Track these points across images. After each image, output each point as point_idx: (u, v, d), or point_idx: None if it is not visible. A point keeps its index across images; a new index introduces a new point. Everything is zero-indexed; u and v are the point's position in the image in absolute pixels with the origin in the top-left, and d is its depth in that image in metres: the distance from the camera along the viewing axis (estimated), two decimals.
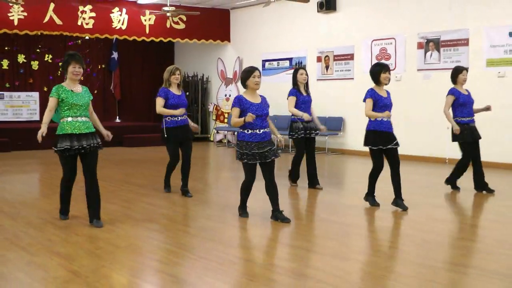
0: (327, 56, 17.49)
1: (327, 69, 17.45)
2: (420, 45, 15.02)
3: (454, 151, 14.14)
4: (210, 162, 13.33)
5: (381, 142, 8.78)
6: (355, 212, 8.87)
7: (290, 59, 18.63)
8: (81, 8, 17.98)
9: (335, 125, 17.02)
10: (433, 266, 5.86)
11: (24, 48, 20.58)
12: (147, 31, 19.16)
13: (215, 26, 20.53)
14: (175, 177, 10.25)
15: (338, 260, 6.14)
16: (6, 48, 20.22)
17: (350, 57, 16.85)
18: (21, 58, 20.44)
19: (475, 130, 10.31)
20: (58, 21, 17.61)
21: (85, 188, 7.82)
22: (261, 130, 7.77)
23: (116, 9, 18.55)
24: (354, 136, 16.57)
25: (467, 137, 10.20)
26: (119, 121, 21.68)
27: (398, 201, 8.86)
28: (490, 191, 10.22)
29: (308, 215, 8.91)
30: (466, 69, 10.63)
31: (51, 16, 17.49)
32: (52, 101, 7.53)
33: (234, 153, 16.50)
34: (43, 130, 7.34)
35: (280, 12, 18.66)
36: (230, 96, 20.74)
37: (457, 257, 6.31)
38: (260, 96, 8.03)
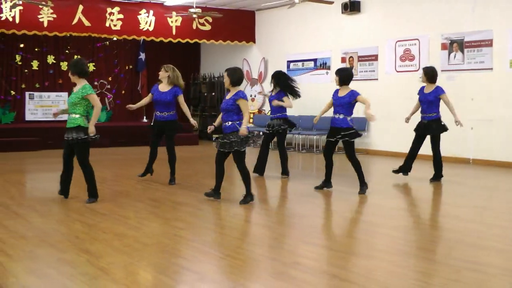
0: (351, 57, 17.44)
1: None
2: (444, 46, 14.93)
3: (478, 151, 14.09)
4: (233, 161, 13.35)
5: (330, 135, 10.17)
6: (379, 211, 8.84)
7: (315, 60, 18.59)
8: (109, 9, 18.10)
9: (360, 125, 16.90)
10: (456, 266, 5.83)
11: (54, 49, 20.75)
12: (174, 32, 19.24)
13: (240, 27, 20.56)
14: (191, 174, 10.26)
15: (362, 258, 6.13)
16: (36, 49, 20.42)
17: (374, 58, 16.78)
18: (50, 59, 20.62)
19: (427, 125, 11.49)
20: (86, 23, 17.75)
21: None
22: (230, 123, 8.87)
23: (144, 10, 18.64)
24: (378, 136, 16.51)
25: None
26: (146, 121, 21.75)
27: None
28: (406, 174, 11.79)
29: (332, 214, 8.90)
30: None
31: (79, 18, 17.64)
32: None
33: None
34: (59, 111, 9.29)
35: (305, 13, 18.63)
36: (255, 96, 20.75)
37: (481, 256, 6.26)
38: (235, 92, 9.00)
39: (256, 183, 11.73)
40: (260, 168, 12.16)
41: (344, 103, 9.99)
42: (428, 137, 11.67)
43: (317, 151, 17.16)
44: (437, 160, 11.57)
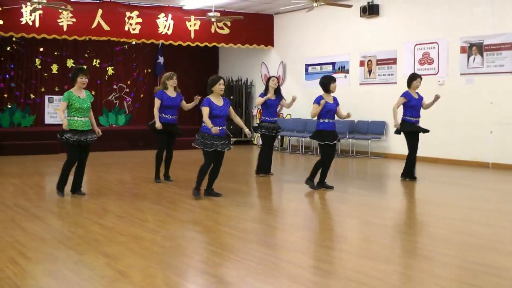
0: (370, 60, 17.40)
1: (369, 74, 17.36)
2: (463, 49, 14.85)
3: (498, 156, 14.00)
4: (253, 165, 13.38)
5: (328, 138, 10.65)
6: (396, 214, 8.82)
7: (333, 64, 18.57)
8: (128, 14, 18.19)
9: (378, 129, 16.92)
10: (474, 270, 5.80)
11: (73, 53, 20.86)
12: (192, 36, 19.30)
13: (259, 31, 20.57)
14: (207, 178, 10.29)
15: (379, 262, 6.11)
16: (55, 53, 20.54)
17: (393, 61, 16.72)
18: (70, 63, 20.72)
19: (418, 127, 11.80)
20: (105, 27, 17.85)
21: (75, 167, 9.88)
22: (221, 127, 9.54)
23: (162, 14, 18.72)
24: (397, 140, 16.42)
25: (409, 128, 11.78)
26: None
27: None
28: (413, 179, 11.90)
29: (349, 218, 8.87)
30: (420, 77, 11.99)
31: (99, 22, 17.75)
32: (64, 104, 9.62)
33: (277, 157, 16.55)
34: (65, 123, 9.48)
35: (323, 17, 18.61)
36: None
37: (499, 260, 6.22)
38: (223, 99, 9.75)
39: (273, 187, 11.75)
40: (266, 168, 12.79)
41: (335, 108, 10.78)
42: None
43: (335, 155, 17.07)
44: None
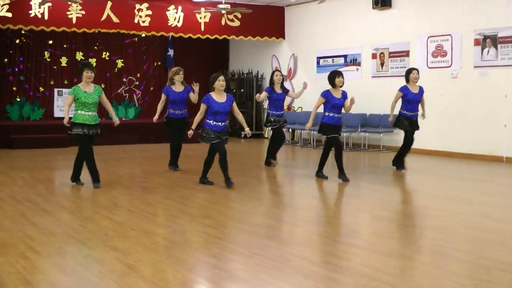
0: (382, 53, 17.34)
1: (382, 66, 17.29)
2: (477, 42, 14.76)
3: None
4: (264, 159, 13.38)
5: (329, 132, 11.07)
6: (410, 210, 8.79)
7: (345, 56, 18.51)
8: (137, 6, 18.17)
9: (389, 122, 16.82)
10: (488, 266, 5.78)
11: (82, 46, 20.85)
12: (203, 28, 19.26)
13: (269, 23, 20.51)
14: (219, 172, 10.30)
15: (393, 258, 6.09)
16: (64, 46, 20.53)
17: (406, 54, 16.65)
18: (79, 56, 20.72)
19: (414, 122, 12.29)
20: (115, 19, 17.84)
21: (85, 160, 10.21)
22: (222, 123, 10.14)
23: (172, 7, 18.69)
24: None
25: (405, 126, 12.33)
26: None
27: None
28: (403, 169, 12.52)
29: (362, 213, 8.84)
30: (417, 70, 12.45)
31: (108, 14, 17.73)
32: (70, 99, 10.02)
33: (288, 150, 16.53)
34: (66, 119, 10.03)
35: (335, 9, 18.56)
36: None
37: None
38: (227, 95, 10.23)
39: (284, 181, 11.74)
40: (273, 155, 13.31)
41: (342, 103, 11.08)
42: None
43: (346, 148, 17.04)
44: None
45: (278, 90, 12.92)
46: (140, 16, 18.23)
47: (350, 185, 10.70)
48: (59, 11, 17.03)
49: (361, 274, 5.52)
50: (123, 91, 21.65)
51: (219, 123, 10.13)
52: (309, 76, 19.57)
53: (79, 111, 9.97)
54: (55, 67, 20.46)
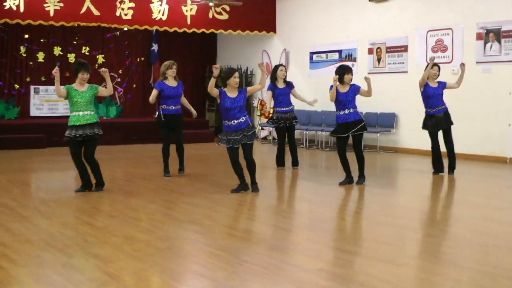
0: (379, 48, 17.36)
1: (379, 62, 17.32)
2: (479, 36, 14.80)
3: None
4: (258, 159, 13.36)
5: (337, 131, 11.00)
6: (408, 213, 8.80)
7: (340, 51, 18.53)
8: None
9: (387, 121, 16.89)
10: (492, 273, 5.78)
11: (61, 40, 20.79)
12: (189, 22, 19.21)
13: (260, 16, 20.49)
14: (207, 173, 10.29)
15: (390, 265, 6.09)
16: (41, 40, 20.48)
17: (404, 49, 16.68)
18: (57, 51, 20.67)
19: (440, 119, 11.99)
20: (95, 12, 17.77)
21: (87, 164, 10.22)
22: (236, 121, 9.90)
23: None
24: (408, 133, 16.42)
25: (429, 127, 12.09)
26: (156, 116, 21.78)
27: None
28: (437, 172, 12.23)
29: (358, 217, 8.85)
30: (438, 66, 12.09)
31: (88, 7, 17.66)
32: (63, 90, 9.99)
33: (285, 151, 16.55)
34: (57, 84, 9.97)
35: (329, 1, 18.58)
36: None
37: None
38: (238, 89, 10.01)
39: (276, 184, 11.74)
40: (283, 160, 13.25)
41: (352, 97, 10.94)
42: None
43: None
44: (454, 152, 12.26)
45: (280, 85, 12.92)
46: (122, 9, 18.17)
47: (346, 188, 10.70)
48: (36, 3, 16.95)
49: (358, 283, 5.52)
50: (104, 88, 21.56)
51: (232, 122, 9.90)
52: (302, 72, 19.59)
53: (72, 113, 10.02)
54: (31, 63, 20.41)
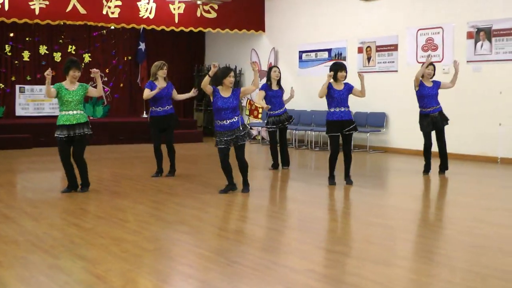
0: (368, 46, 17.39)
1: (368, 61, 17.35)
2: (470, 35, 14.84)
3: (507, 150, 14.02)
4: (248, 159, 13.36)
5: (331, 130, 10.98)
6: (398, 214, 8.82)
7: (329, 50, 18.55)
8: None
9: (377, 121, 16.92)
10: (483, 274, 5.80)
11: (46, 39, 20.75)
12: (176, 20, 19.20)
13: (248, 15, 20.50)
14: (196, 174, 10.28)
15: (380, 266, 6.10)
16: (27, 39, 20.42)
17: (394, 47, 16.72)
18: (43, 50, 20.63)
19: (436, 119, 12.11)
20: (81, 10, 17.74)
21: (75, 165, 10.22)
22: (228, 121, 9.85)
23: None
24: (398, 133, 16.45)
25: (424, 128, 12.19)
26: (146, 116, 21.71)
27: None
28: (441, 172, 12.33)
29: (347, 217, 8.87)
30: (433, 65, 12.21)
31: (74, 5, 17.61)
32: (52, 89, 9.81)
33: (268, 151, 16.55)
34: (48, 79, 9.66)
35: (319, 0, 18.62)
36: None
37: (509, 264, 6.22)
38: (232, 89, 10.01)
39: (265, 184, 11.74)
40: (277, 162, 13.26)
41: (347, 96, 11.04)
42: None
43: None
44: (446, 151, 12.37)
45: (274, 87, 12.98)
46: (109, 7, 18.14)
47: (336, 188, 10.72)
48: (21, 2, 16.89)
49: (347, 284, 5.53)
50: (93, 88, 21.48)
51: (224, 122, 9.84)
52: (291, 71, 19.59)
53: (61, 112, 9.96)
54: (16, 62, 20.36)
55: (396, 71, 16.59)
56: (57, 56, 20.70)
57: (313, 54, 19.10)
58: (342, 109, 10.83)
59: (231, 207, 9.25)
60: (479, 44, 14.63)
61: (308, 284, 5.52)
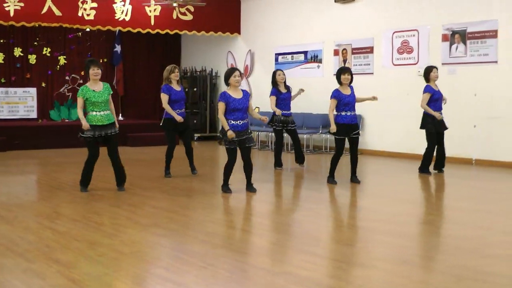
0: (344, 49, 17.43)
1: (344, 63, 17.36)
2: (445, 37, 14.93)
3: (482, 151, 14.11)
4: (219, 163, 13.38)
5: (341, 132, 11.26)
6: (376, 216, 8.83)
7: (305, 53, 18.57)
8: None
9: None
10: (458, 275, 5.81)
11: (21, 41, 20.58)
12: (152, 22, 19.14)
13: (224, 17, 20.49)
14: (173, 176, 10.25)
15: (359, 268, 6.11)
16: (1, 40, 20.24)
17: (370, 50, 16.78)
18: (17, 52, 20.46)
19: (442, 121, 12.62)
20: (57, 12, 17.61)
21: (111, 163, 10.51)
22: (241, 121, 9.97)
23: None
24: (374, 135, 16.49)
25: (429, 128, 12.52)
26: (122, 118, 21.54)
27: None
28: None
29: (324, 219, 8.87)
30: (436, 68, 12.70)
31: (49, 7, 17.49)
32: (80, 101, 9.96)
33: (264, 155, 16.55)
34: (84, 124, 9.95)
35: (295, 2, 18.61)
36: None
37: (484, 265, 6.24)
38: (242, 91, 10.10)
39: (241, 187, 11.73)
40: (280, 161, 13.72)
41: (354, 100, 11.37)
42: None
43: (307, 151, 17.08)
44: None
45: (283, 89, 13.44)
46: (85, 9, 18.03)
47: (312, 190, 10.74)
48: None
49: (323, 285, 5.53)
50: (66, 90, 21.39)
51: (238, 122, 9.95)
52: (267, 73, 19.53)
53: (90, 112, 10.08)
54: None
55: (372, 73, 16.64)
56: (32, 59, 20.55)
57: (289, 56, 19.11)
58: (353, 113, 11.24)
59: (207, 210, 9.22)
60: (454, 46, 14.71)
61: (285, 286, 5.51)
